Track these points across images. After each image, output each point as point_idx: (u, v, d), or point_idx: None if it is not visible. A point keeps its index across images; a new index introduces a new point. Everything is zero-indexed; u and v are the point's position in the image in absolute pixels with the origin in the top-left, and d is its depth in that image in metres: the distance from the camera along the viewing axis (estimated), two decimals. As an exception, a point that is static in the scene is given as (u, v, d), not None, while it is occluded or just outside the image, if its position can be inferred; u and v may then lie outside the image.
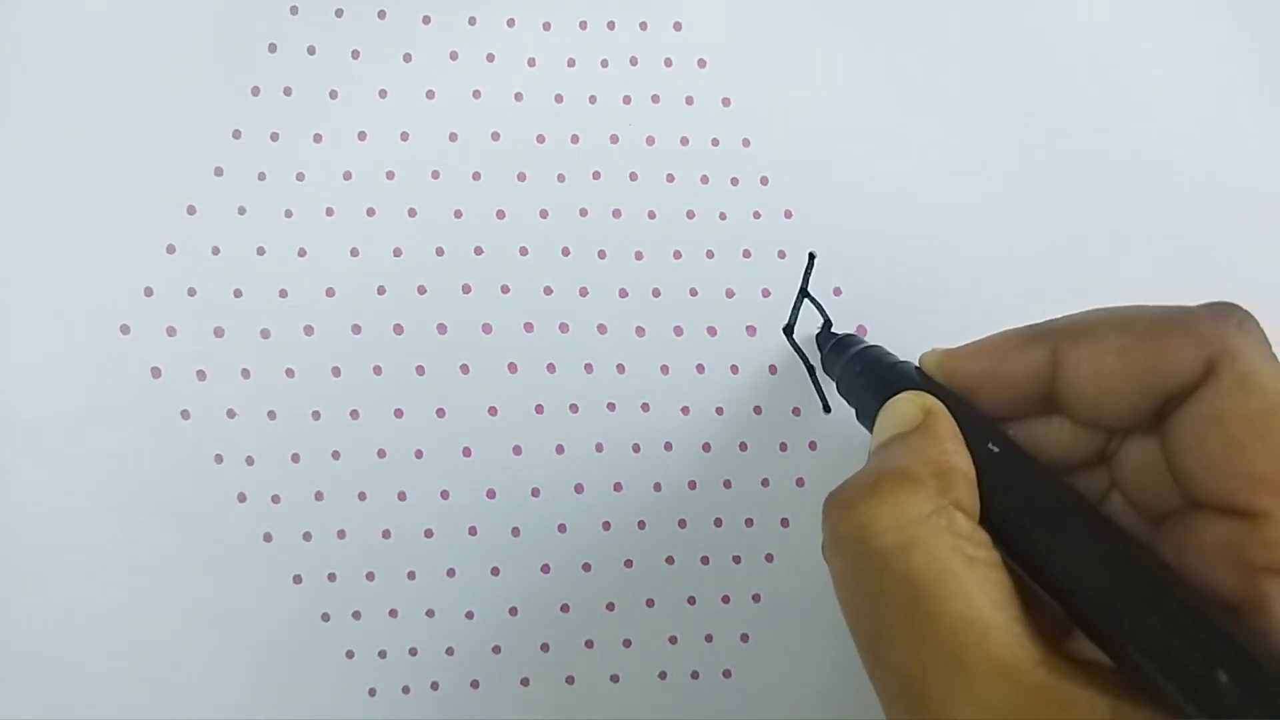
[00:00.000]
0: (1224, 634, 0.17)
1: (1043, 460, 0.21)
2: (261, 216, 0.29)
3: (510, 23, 0.30)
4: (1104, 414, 0.21)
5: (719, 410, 0.29)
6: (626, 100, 0.30)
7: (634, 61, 0.30)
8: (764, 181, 0.30)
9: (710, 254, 0.29)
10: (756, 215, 0.30)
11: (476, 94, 0.30)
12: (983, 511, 0.20)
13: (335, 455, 0.29)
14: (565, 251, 0.29)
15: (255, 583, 0.29)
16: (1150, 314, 0.20)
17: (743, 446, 0.29)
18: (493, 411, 0.29)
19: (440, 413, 0.29)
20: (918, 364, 0.24)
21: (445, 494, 0.29)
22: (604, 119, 0.30)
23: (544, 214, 0.29)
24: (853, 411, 0.26)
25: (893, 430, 0.21)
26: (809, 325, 0.29)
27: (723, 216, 0.30)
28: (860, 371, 0.25)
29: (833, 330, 0.29)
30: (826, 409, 0.29)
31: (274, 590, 0.29)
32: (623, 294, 0.29)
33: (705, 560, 0.29)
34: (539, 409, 0.29)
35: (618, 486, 0.29)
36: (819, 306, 0.29)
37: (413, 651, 0.29)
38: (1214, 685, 0.16)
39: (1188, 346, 0.19)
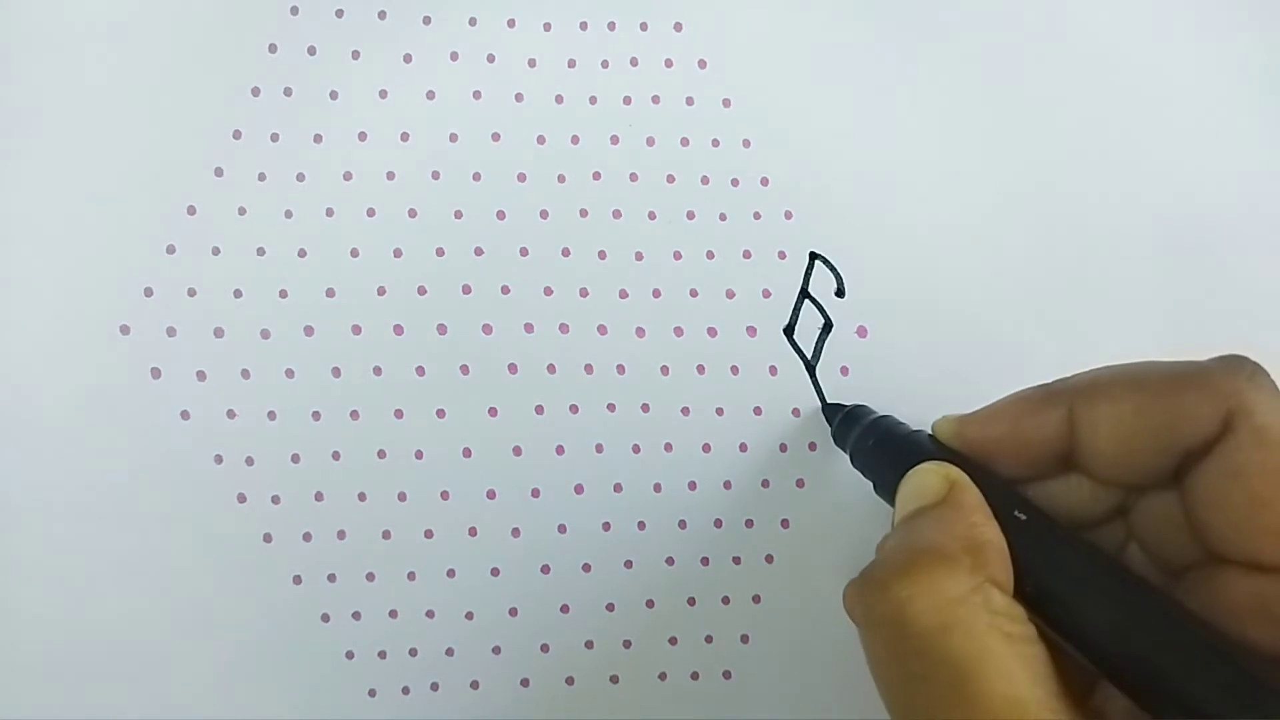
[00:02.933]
0: (1271, 689, 0.17)
1: (1065, 522, 0.22)
2: (261, 217, 0.29)
3: (511, 23, 0.30)
4: (1123, 471, 0.21)
5: (719, 411, 0.29)
6: (627, 101, 0.30)
7: (634, 62, 0.30)
8: (764, 182, 0.30)
9: (710, 255, 0.29)
10: (757, 216, 0.30)
11: (477, 94, 0.30)
12: (1016, 580, 0.20)
13: (335, 456, 0.29)
14: (565, 252, 0.29)
15: (255, 583, 0.29)
16: (1164, 371, 0.20)
17: (743, 447, 0.29)
18: (493, 412, 0.29)
19: (440, 413, 0.29)
20: (930, 432, 0.24)
21: (445, 494, 0.29)
22: (604, 120, 0.30)
23: (544, 214, 0.29)
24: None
25: (917, 503, 0.21)
26: (809, 326, 0.29)
27: (723, 217, 0.30)
28: (875, 444, 0.25)
29: (839, 404, 0.28)
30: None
31: (274, 590, 0.29)
32: (623, 295, 0.29)
33: (705, 561, 0.29)
34: (539, 410, 0.29)
35: (617, 487, 0.29)
36: (820, 307, 0.29)
37: (413, 652, 0.29)
38: None
39: (1203, 402, 0.19)
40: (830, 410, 0.28)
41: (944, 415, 0.23)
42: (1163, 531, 0.21)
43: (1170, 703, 0.18)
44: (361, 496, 0.29)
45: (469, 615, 0.29)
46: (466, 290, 0.29)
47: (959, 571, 0.19)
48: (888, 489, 0.23)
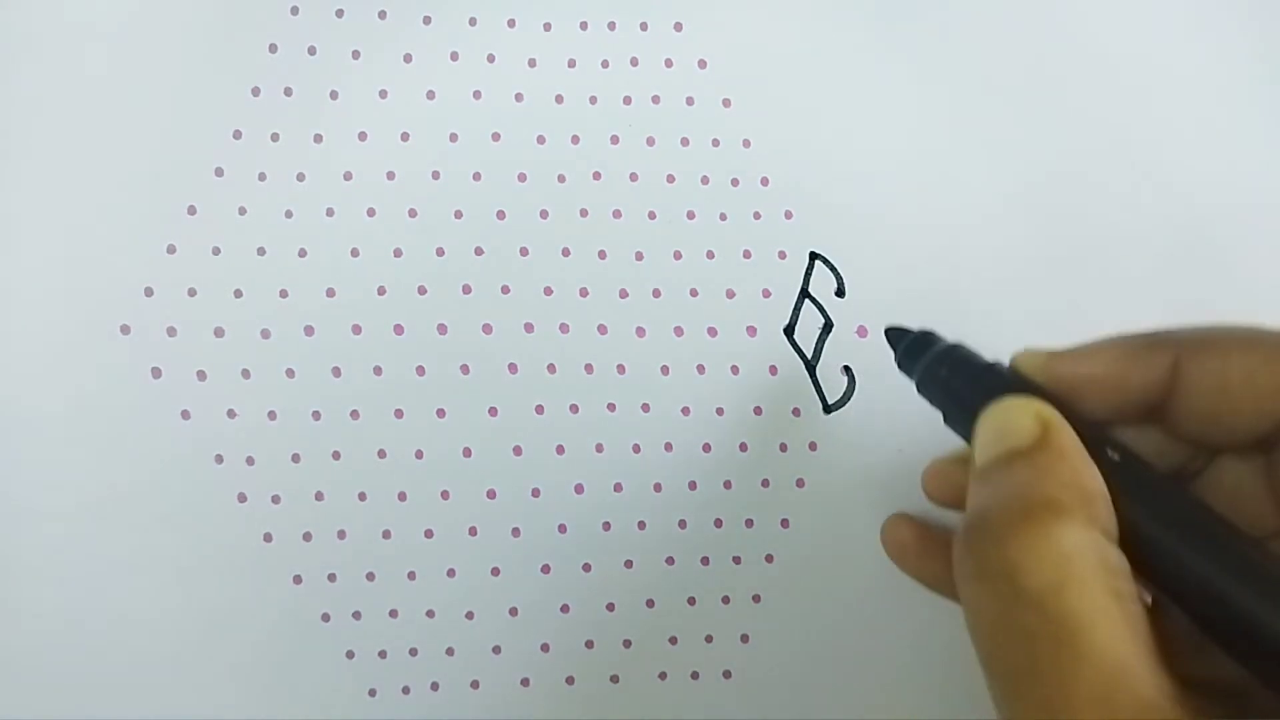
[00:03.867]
0: None
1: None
2: (262, 217, 0.29)
3: (511, 23, 0.30)
4: (1214, 430, 0.20)
5: (719, 411, 0.29)
6: (627, 101, 0.30)
7: (634, 62, 0.30)
8: (764, 182, 0.30)
9: (710, 254, 0.29)
10: (757, 216, 0.30)
11: (477, 94, 0.30)
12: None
13: (335, 455, 0.29)
14: (565, 252, 0.29)
15: (255, 583, 0.29)
16: (1276, 336, 0.20)
17: (743, 447, 0.29)
18: (493, 412, 0.29)
19: (440, 413, 0.29)
20: (1008, 364, 0.23)
21: (445, 494, 0.29)
22: (604, 119, 0.30)
23: (544, 214, 0.29)
24: (852, 411, 0.26)
25: (1006, 443, 0.20)
26: (809, 326, 0.29)
27: (723, 217, 0.30)
28: (948, 373, 0.23)
29: (904, 328, 0.26)
30: (827, 409, 0.29)
31: (274, 590, 0.29)
32: (623, 294, 0.29)
33: (705, 561, 0.29)
34: (539, 409, 0.29)
35: (618, 487, 0.29)
36: (820, 307, 0.29)
37: (413, 652, 0.29)
38: None
39: None
40: (895, 334, 0.26)
41: (1026, 347, 0.22)
42: (1236, 498, 0.20)
43: (1271, 657, 0.17)
44: (361, 496, 0.29)
45: (469, 615, 0.29)
46: (466, 290, 0.29)
47: (1075, 524, 0.18)
48: (962, 421, 0.22)
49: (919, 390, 0.24)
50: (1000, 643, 0.18)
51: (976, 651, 0.18)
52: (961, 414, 0.22)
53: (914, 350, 0.24)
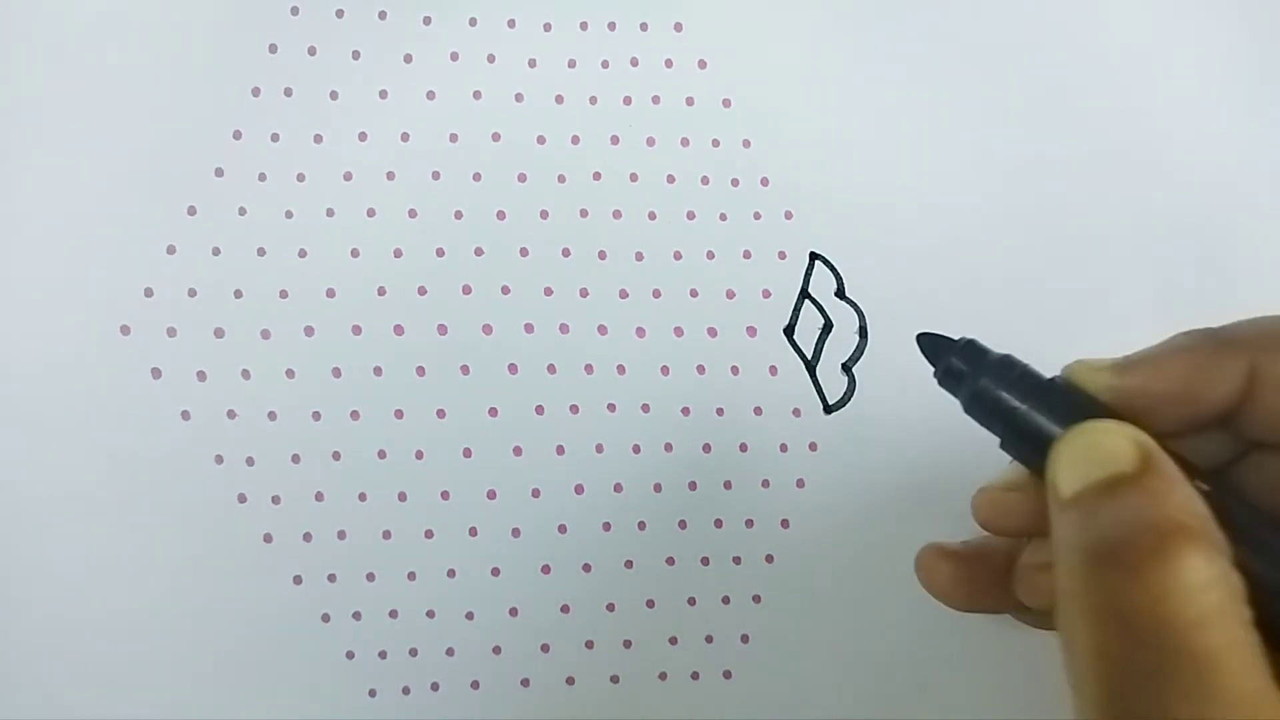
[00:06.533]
0: None
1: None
2: (262, 217, 0.29)
3: (511, 24, 0.30)
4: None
5: (719, 411, 0.29)
6: (627, 101, 0.30)
7: (634, 62, 0.30)
8: (764, 182, 0.30)
9: (711, 255, 0.29)
10: (757, 216, 0.30)
11: (477, 95, 0.30)
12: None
13: (335, 456, 0.29)
14: (566, 252, 0.29)
15: (255, 583, 0.29)
16: None
17: (743, 448, 0.29)
18: (493, 412, 0.29)
19: (440, 413, 0.29)
20: (1064, 377, 0.21)
21: (445, 495, 0.29)
22: (604, 120, 0.30)
23: (544, 215, 0.29)
24: (852, 411, 0.26)
25: (1105, 470, 0.18)
26: (809, 326, 0.29)
27: (723, 217, 0.30)
28: (1008, 393, 0.21)
29: (939, 335, 0.23)
30: (827, 410, 0.29)
31: (274, 590, 0.29)
32: (623, 295, 0.29)
33: (705, 561, 0.29)
34: (539, 410, 0.29)
35: (618, 487, 0.29)
36: (819, 307, 0.29)
37: (413, 652, 0.29)
38: None
39: None
40: (932, 343, 0.23)
41: (1080, 360, 0.20)
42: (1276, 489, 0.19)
43: None
44: (362, 496, 0.29)
45: (469, 615, 0.29)
46: (466, 290, 0.29)
47: (1209, 555, 0.16)
48: (1027, 446, 0.20)
49: (967, 410, 0.22)
50: (1117, 680, 0.16)
51: (1079, 688, 0.17)
52: (1025, 439, 0.20)
53: (959, 366, 0.22)
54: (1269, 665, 0.16)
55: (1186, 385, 0.19)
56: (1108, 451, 0.18)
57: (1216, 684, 0.16)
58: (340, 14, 0.30)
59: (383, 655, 0.29)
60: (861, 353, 0.29)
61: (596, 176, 0.30)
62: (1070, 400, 0.20)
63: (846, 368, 0.29)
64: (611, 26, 0.30)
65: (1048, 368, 0.27)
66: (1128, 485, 0.18)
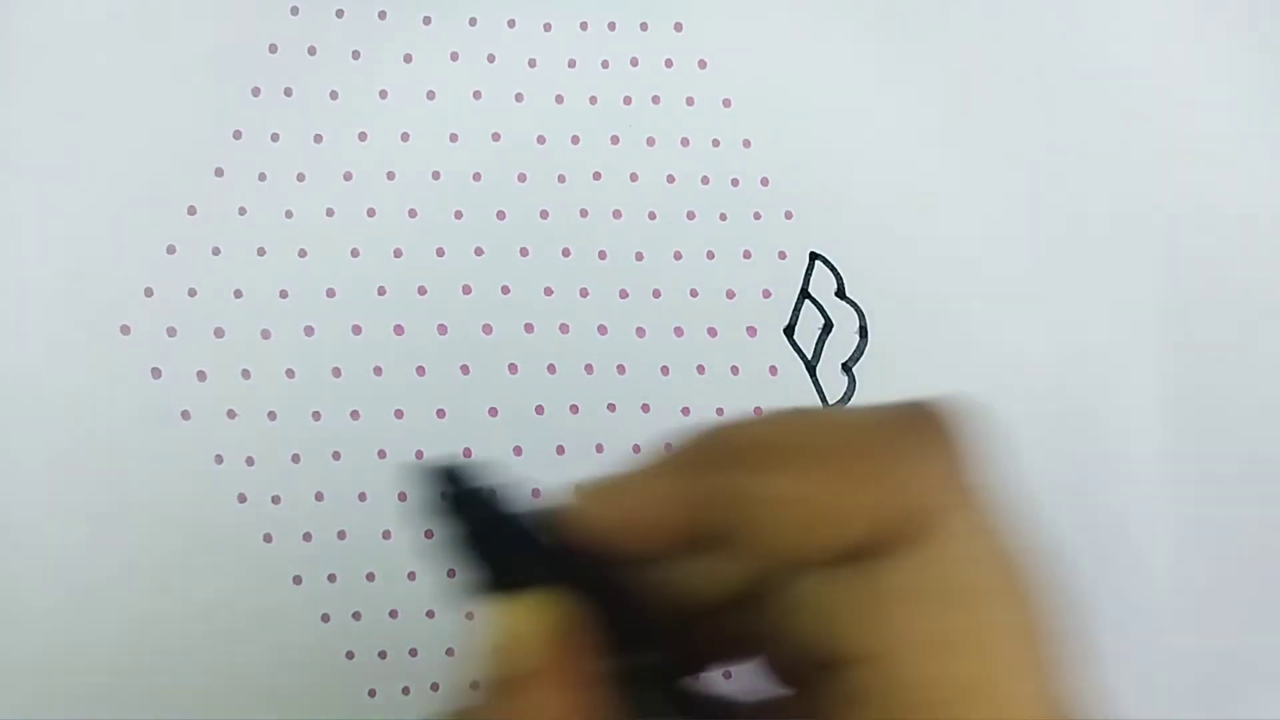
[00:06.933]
0: None
1: (689, 602, 0.17)
2: (262, 217, 0.29)
3: (511, 23, 0.30)
4: (784, 554, 0.16)
5: (719, 411, 0.29)
6: (627, 101, 0.30)
7: (634, 62, 0.30)
8: (764, 182, 0.30)
9: (711, 255, 0.29)
10: (757, 216, 0.30)
11: (477, 95, 0.30)
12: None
13: (335, 456, 0.29)
14: (566, 252, 0.29)
15: (255, 583, 0.29)
16: (845, 441, 0.16)
17: (743, 447, 0.29)
18: (493, 412, 0.29)
19: (440, 413, 0.29)
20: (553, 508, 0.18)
21: (445, 494, 0.29)
22: (604, 120, 0.30)
23: (544, 215, 0.29)
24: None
25: (505, 668, 0.16)
26: (809, 326, 0.29)
27: (723, 217, 0.30)
28: (473, 533, 0.18)
29: (448, 467, 0.19)
30: (826, 410, 0.29)
31: (274, 590, 0.29)
32: (623, 295, 0.29)
33: (705, 561, 0.29)
34: (539, 410, 0.29)
35: (618, 487, 0.29)
36: (820, 307, 0.29)
37: (413, 652, 0.29)
38: None
39: (882, 494, 0.15)
40: (428, 474, 0.19)
41: (583, 482, 0.18)
42: (820, 614, 0.16)
43: None
44: (362, 496, 0.29)
45: (469, 615, 0.29)
46: (466, 290, 0.29)
47: None
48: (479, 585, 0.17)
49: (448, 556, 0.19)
50: None
51: None
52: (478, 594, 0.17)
53: (447, 503, 0.19)
54: None
55: (654, 506, 0.16)
56: (517, 642, 0.16)
57: None
58: (340, 14, 0.30)
59: (383, 655, 0.29)
60: (861, 353, 0.29)
61: (596, 176, 0.30)
62: (535, 558, 0.17)
63: (846, 368, 0.29)
64: (611, 26, 0.30)
65: (1049, 367, 0.27)
66: (514, 687, 0.16)
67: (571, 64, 0.30)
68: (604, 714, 0.16)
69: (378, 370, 0.29)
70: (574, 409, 0.29)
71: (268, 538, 0.29)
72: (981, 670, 0.14)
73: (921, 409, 0.16)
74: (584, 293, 0.29)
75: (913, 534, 0.15)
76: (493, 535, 0.18)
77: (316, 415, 0.29)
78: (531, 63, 0.30)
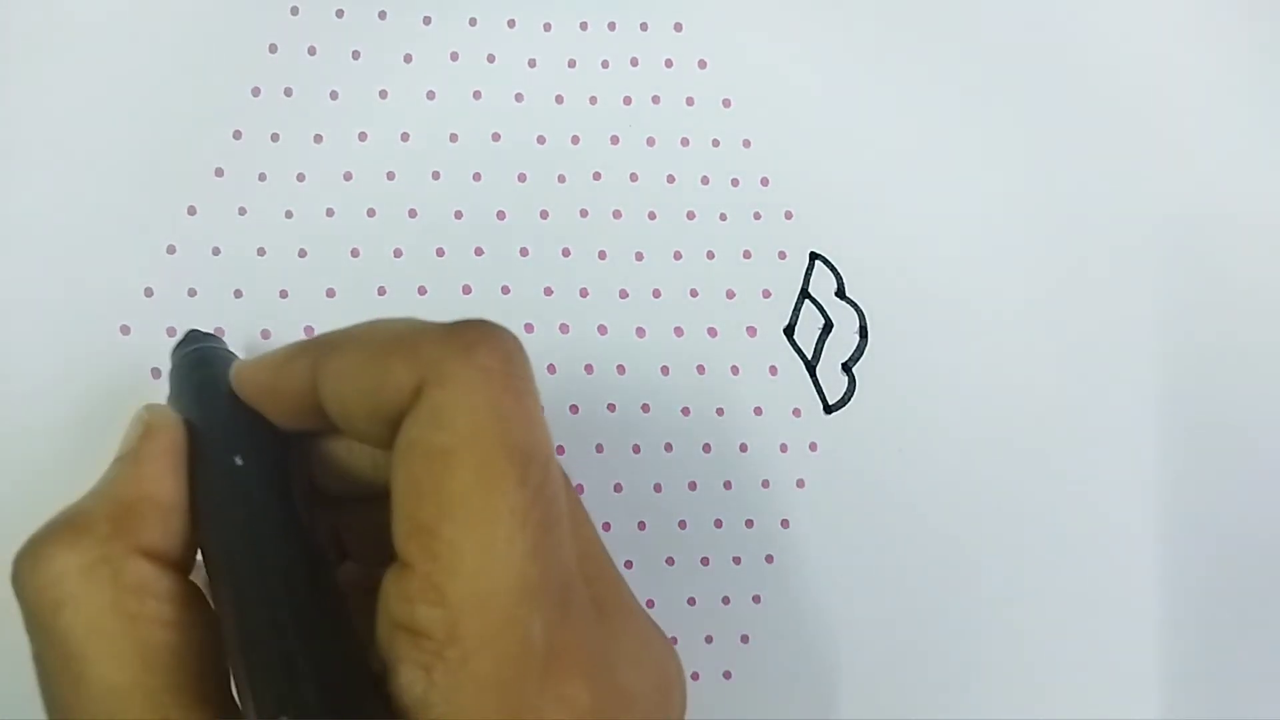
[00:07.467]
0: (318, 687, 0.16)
1: (346, 484, 0.21)
2: (262, 217, 0.29)
3: (511, 23, 0.30)
4: (355, 434, 0.19)
5: (719, 411, 0.29)
6: (627, 101, 0.30)
7: (634, 62, 0.30)
8: (765, 182, 0.30)
9: (711, 255, 0.30)
10: (757, 216, 0.30)
11: (477, 95, 0.30)
12: (206, 534, 0.19)
13: (335, 456, 0.29)
14: (565, 252, 0.29)
15: (255, 583, 0.29)
16: (389, 329, 0.18)
17: (743, 448, 0.29)
18: (493, 412, 0.29)
19: (440, 413, 0.29)
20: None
21: (445, 494, 0.29)
22: (604, 120, 0.30)
23: (544, 215, 0.29)
24: (852, 411, 0.26)
25: (120, 448, 0.20)
26: (809, 325, 0.29)
27: (723, 217, 0.30)
28: (182, 370, 0.23)
29: (196, 330, 0.26)
30: (827, 410, 0.29)
31: (274, 590, 0.29)
32: (623, 295, 0.29)
33: (705, 561, 0.29)
34: (539, 409, 0.29)
35: (618, 487, 0.29)
36: (820, 307, 0.29)
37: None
38: None
39: (405, 368, 0.17)
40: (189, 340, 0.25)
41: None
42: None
43: (241, 677, 0.17)
44: (361, 496, 0.29)
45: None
46: (466, 290, 0.29)
47: (88, 539, 0.18)
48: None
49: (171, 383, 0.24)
50: (34, 665, 0.18)
51: None
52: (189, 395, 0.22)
53: (181, 347, 0.25)
54: (169, 659, 0.17)
55: (273, 378, 0.20)
56: (129, 429, 0.20)
57: (75, 671, 0.17)
58: (340, 14, 0.30)
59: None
60: (861, 353, 0.29)
61: (596, 176, 0.30)
62: (206, 382, 0.22)
63: (846, 368, 0.29)
64: (611, 26, 0.30)
65: (1049, 367, 0.27)
66: (113, 466, 0.20)
67: (571, 64, 0.30)
68: (172, 497, 0.19)
69: (378, 370, 0.29)
70: (574, 409, 0.29)
71: (268, 538, 0.29)
72: (438, 514, 0.16)
73: (468, 322, 0.18)
74: (584, 293, 0.29)
75: (417, 400, 0.17)
76: (195, 380, 0.22)
77: (316, 415, 0.29)
78: (531, 63, 0.30)
